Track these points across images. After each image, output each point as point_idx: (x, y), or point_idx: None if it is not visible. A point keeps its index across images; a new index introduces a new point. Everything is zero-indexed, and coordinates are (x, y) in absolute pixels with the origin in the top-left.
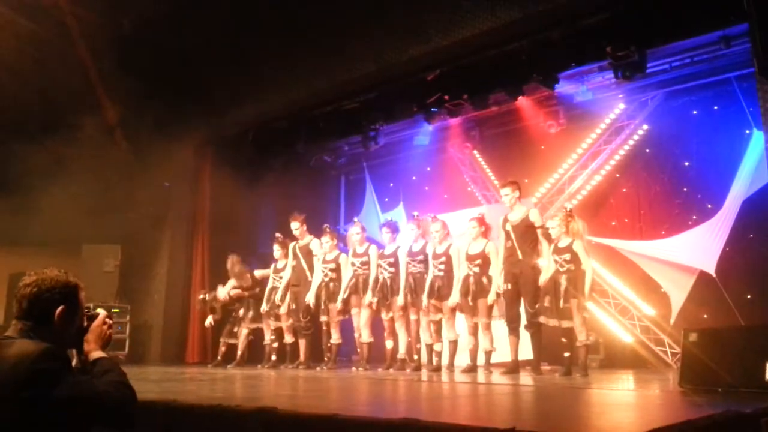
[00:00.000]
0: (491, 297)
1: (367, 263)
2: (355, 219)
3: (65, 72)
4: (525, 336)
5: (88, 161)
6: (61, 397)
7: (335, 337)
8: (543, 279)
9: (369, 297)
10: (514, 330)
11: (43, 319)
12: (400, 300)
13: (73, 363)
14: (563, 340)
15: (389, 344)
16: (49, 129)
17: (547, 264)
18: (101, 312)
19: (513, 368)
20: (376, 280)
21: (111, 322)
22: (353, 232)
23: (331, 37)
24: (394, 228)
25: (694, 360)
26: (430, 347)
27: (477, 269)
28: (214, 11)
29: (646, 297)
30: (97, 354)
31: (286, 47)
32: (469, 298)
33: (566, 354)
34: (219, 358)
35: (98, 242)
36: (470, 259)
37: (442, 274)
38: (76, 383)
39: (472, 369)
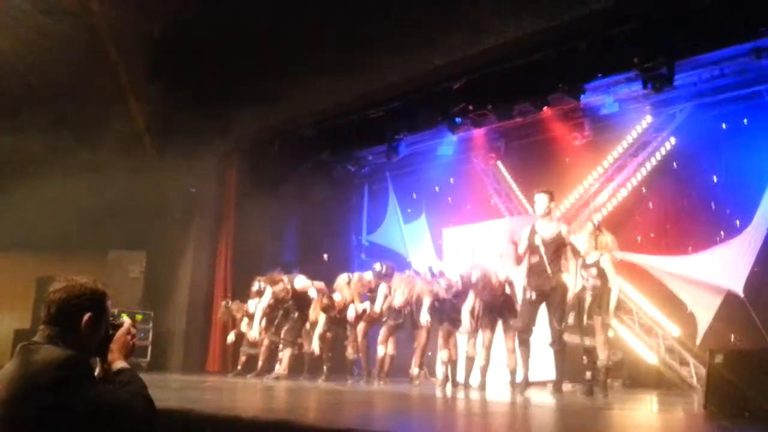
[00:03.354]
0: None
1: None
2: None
3: (95, 76)
4: (541, 352)
5: (116, 166)
6: (83, 406)
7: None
8: (570, 295)
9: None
10: (525, 341)
11: (69, 325)
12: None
13: (96, 371)
14: (584, 359)
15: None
16: (77, 132)
17: (573, 280)
18: (126, 321)
19: (524, 385)
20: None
21: (135, 331)
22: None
23: (357, 46)
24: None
25: (721, 382)
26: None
27: None
28: (242, 20)
29: (672, 315)
30: (120, 364)
31: (313, 56)
32: None
33: (588, 373)
34: (239, 367)
35: (124, 247)
36: None
37: None
38: (98, 392)
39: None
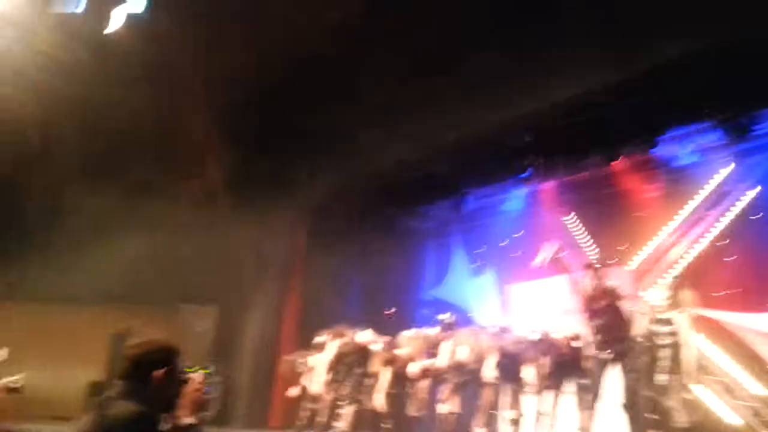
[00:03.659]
0: None
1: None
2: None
3: (175, 136)
4: (614, 412)
5: (190, 223)
6: None
7: None
8: (640, 352)
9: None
10: (593, 402)
11: (143, 380)
12: None
13: (165, 427)
14: (656, 417)
15: None
16: (153, 192)
17: (643, 336)
18: (196, 377)
19: None
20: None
21: (204, 388)
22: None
23: (422, 102)
24: None
25: None
26: None
27: None
28: (311, 86)
29: (756, 375)
30: (188, 419)
31: (379, 114)
32: None
33: None
34: (301, 422)
35: (195, 302)
36: None
37: None
38: None
39: None
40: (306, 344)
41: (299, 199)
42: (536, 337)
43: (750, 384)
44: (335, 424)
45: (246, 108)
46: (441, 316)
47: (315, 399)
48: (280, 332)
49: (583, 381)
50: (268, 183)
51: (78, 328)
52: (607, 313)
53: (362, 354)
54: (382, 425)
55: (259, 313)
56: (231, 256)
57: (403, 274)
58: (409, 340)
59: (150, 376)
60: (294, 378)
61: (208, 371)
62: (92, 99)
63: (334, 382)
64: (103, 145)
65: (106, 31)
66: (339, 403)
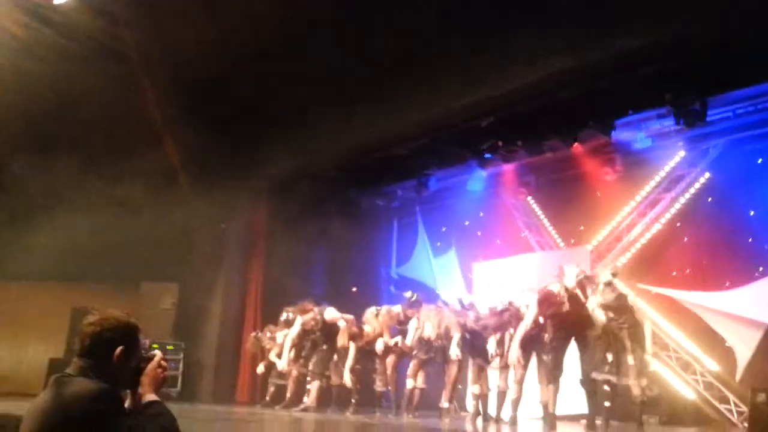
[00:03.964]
0: None
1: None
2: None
3: (131, 114)
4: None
5: (149, 201)
6: None
7: None
8: (596, 333)
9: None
10: (555, 378)
11: (102, 358)
12: None
13: (126, 404)
14: (606, 388)
15: None
16: (111, 168)
17: (598, 317)
18: (157, 354)
19: (552, 421)
20: None
21: (165, 364)
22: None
23: (385, 85)
24: None
25: (764, 421)
26: None
27: None
28: (273, 65)
29: (710, 351)
30: (150, 397)
31: (341, 95)
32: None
33: (607, 404)
34: (268, 398)
35: (157, 280)
36: None
37: None
38: (128, 426)
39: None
40: (271, 321)
41: (261, 178)
42: (501, 307)
43: (705, 360)
44: (302, 399)
45: (207, 85)
46: (405, 294)
47: (282, 374)
48: (244, 309)
49: (546, 356)
50: (230, 161)
51: (39, 306)
52: (567, 311)
53: (328, 330)
54: (351, 400)
55: (221, 290)
56: (192, 235)
57: (368, 252)
58: (374, 317)
59: (110, 354)
60: (260, 354)
61: (171, 347)
62: (45, 73)
63: (300, 358)
64: (61, 120)
65: (55, 1)
66: (306, 378)
